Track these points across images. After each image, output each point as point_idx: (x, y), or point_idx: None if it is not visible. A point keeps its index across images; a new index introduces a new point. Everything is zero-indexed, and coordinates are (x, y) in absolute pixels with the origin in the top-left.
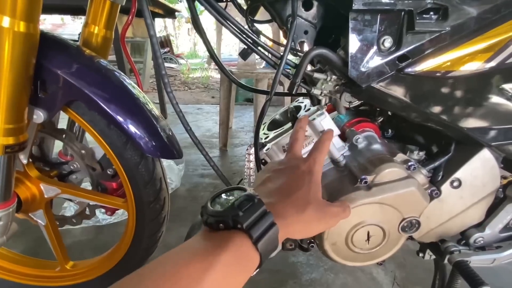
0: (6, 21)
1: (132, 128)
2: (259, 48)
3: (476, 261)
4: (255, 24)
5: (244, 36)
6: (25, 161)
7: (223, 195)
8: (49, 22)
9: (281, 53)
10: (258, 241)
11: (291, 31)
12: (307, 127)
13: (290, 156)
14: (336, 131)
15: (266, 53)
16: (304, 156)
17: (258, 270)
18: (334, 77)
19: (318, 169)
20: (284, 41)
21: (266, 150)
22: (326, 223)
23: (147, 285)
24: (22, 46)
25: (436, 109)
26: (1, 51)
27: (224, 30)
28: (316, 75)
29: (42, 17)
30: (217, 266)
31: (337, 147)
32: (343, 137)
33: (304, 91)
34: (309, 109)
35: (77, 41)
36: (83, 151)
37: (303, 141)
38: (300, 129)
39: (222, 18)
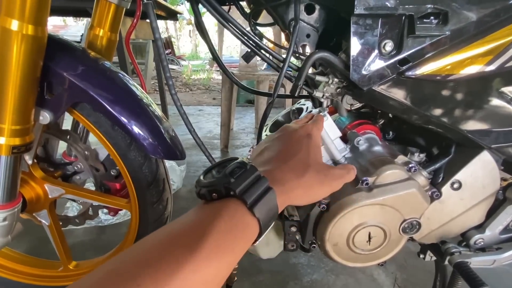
0: (15, 24)
1: (136, 129)
2: (262, 51)
3: (477, 262)
4: (258, 27)
5: (247, 39)
6: (30, 162)
7: (216, 167)
8: (51, 24)
9: (283, 56)
10: (254, 206)
11: (293, 34)
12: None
13: (288, 125)
14: (338, 133)
15: (269, 56)
16: None
17: (260, 238)
18: (335, 79)
19: (316, 133)
20: (286, 44)
21: None
22: (329, 185)
23: (140, 255)
24: (30, 49)
25: (437, 111)
26: (10, 53)
27: (226, 31)
28: (318, 77)
29: None
30: (211, 234)
31: (338, 149)
32: (344, 139)
33: (306, 93)
34: (311, 111)
35: (79, 42)
36: (87, 152)
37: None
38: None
39: (225, 21)
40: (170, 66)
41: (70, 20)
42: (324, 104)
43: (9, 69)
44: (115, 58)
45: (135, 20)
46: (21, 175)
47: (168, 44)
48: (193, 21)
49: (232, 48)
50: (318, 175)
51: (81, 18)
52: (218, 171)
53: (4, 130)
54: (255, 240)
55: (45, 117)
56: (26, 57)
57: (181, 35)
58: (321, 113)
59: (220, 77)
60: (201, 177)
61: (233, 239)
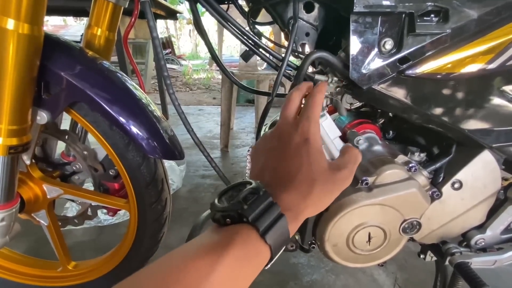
0: (10, 23)
1: (135, 129)
2: (261, 50)
3: (477, 262)
4: (257, 26)
5: (246, 38)
6: (28, 162)
7: (230, 191)
8: (51, 24)
9: (283, 55)
10: (266, 233)
11: (292, 33)
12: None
13: (281, 123)
14: (337, 133)
15: (268, 55)
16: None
17: (271, 263)
18: (335, 79)
19: (314, 132)
20: (285, 43)
21: None
22: (338, 190)
23: (156, 279)
24: (27, 48)
25: (437, 110)
26: (6, 53)
27: (225, 31)
28: (317, 76)
29: (44, 18)
30: (225, 260)
31: (338, 149)
32: (344, 138)
33: None
34: None
35: (79, 42)
36: (85, 152)
37: (297, 103)
38: (297, 90)
39: (224, 20)
40: (170, 66)
41: (70, 20)
42: (324, 104)
43: (5, 68)
44: (115, 58)
45: (133, 19)
46: (19, 175)
47: (168, 43)
48: (192, 21)
49: (232, 47)
50: (325, 186)
51: (81, 18)
52: (232, 195)
53: (1, 130)
54: (266, 265)
55: (43, 117)
56: (22, 57)
57: (181, 34)
58: (320, 112)
59: (220, 77)
60: (216, 201)
61: (245, 265)
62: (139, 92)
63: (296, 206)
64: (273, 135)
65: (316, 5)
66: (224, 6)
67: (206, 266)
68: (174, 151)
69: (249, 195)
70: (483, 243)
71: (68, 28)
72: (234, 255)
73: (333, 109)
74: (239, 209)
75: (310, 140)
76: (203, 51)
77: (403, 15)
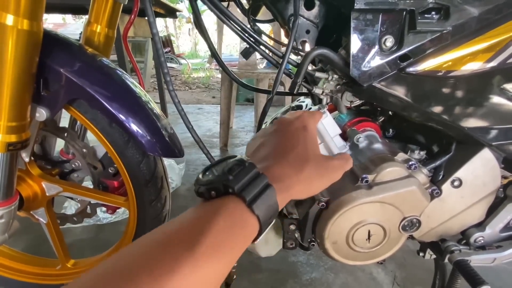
0: (10, 19)
1: (134, 127)
2: (261, 47)
3: (477, 260)
4: (257, 24)
5: (246, 35)
6: (27, 159)
7: (214, 166)
8: (50, 22)
9: (283, 53)
10: (253, 203)
11: (293, 30)
12: None
13: (282, 117)
14: (338, 131)
15: (268, 52)
16: None
17: (260, 236)
18: (335, 76)
19: (312, 124)
20: (286, 41)
21: None
22: (328, 178)
23: (138, 253)
24: (26, 44)
25: (437, 108)
26: (5, 49)
27: (225, 30)
28: (317, 74)
29: (44, 16)
30: (210, 231)
31: (338, 146)
32: (344, 136)
33: (305, 90)
34: (310, 108)
35: (78, 40)
36: (84, 150)
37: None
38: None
39: (224, 17)
40: (170, 65)
41: (69, 18)
42: (324, 101)
43: (4, 64)
44: (115, 57)
45: (132, 16)
46: (18, 173)
47: (168, 42)
48: (192, 19)
49: (232, 46)
50: (317, 169)
51: (80, 16)
52: (217, 169)
53: (0, 127)
54: (256, 238)
55: (42, 113)
56: (21, 53)
57: (181, 33)
58: (320, 110)
59: (220, 76)
60: (200, 176)
61: (232, 236)
62: (138, 90)
63: (287, 179)
64: (274, 123)
65: (317, 2)
66: (225, 4)
67: (189, 238)
68: (173, 149)
69: (235, 167)
70: (482, 241)
71: (67, 26)
72: (219, 226)
73: (333, 107)
74: (224, 180)
75: (308, 128)
76: (203, 50)
77: (404, 12)
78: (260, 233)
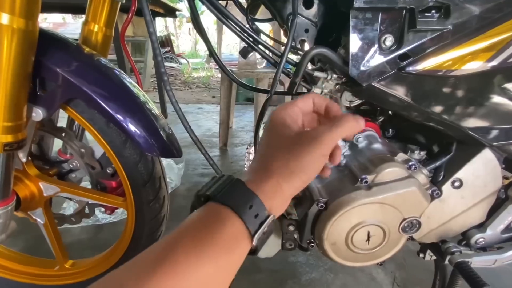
0: (5, 18)
1: (132, 127)
2: (260, 46)
3: (477, 262)
4: (256, 23)
5: (245, 34)
6: (24, 160)
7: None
8: (50, 21)
9: (282, 52)
10: (217, 196)
11: (291, 29)
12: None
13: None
14: None
15: (267, 51)
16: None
17: (257, 234)
18: (334, 76)
19: (278, 110)
20: (285, 40)
21: None
22: (311, 152)
23: (141, 258)
24: (21, 43)
25: (437, 108)
26: (0, 48)
27: (224, 29)
28: (316, 74)
29: (43, 16)
30: (187, 231)
31: None
32: None
33: (304, 90)
34: None
35: (78, 40)
36: (82, 150)
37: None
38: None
39: (223, 16)
40: (169, 64)
41: (69, 18)
42: None
43: None
44: (114, 56)
45: (129, 15)
46: (15, 173)
47: (167, 42)
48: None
49: (231, 46)
50: (290, 154)
51: (80, 15)
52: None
53: None
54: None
55: (38, 113)
56: (17, 52)
57: (181, 33)
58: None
59: (220, 75)
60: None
61: (204, 229)
62: (136, 90)
63: (270, 189)
64: (284, 123)
65: (316, 1)
66: (223, 3)
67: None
68: (171, 149)
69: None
70: (483, 242)
71: (67, 25)
72: (195, 225)
73: None
74: (200, 192)
75: (271, 119)
76: (203, 49)
77: (404, 11)
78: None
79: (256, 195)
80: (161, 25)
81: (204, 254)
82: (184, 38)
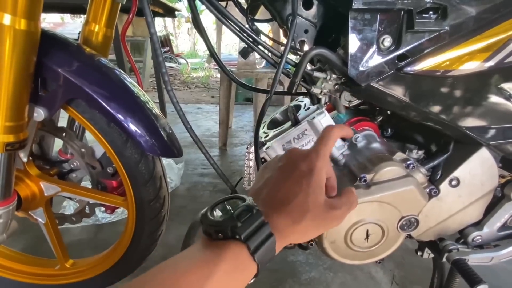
0: (7, 19)
1: (133, 127)
2: (259, 47)
3: (474, 259)
4: (256, 23)
5: (245, 35)
6: (25, 159)
7: (222, 204)
8: (48, 21)
9: (281, 52)
10: (256, 252)
11: (291, 30)
12: (308, 126)
13: (291, 150)
14: None
15: (266, 52)
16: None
17: (254, 279)
18: (334, 76)
19: (320, 166)
20: (284, 40)
21: (266, 149)
22: (325, 228)
23: None
24: (23, 44)
25: (435, 108)
26: (2, 48)
27: (224, 29)
28: (316, 74)
29: (42, 16)
30: (216, 275)
31: (336, 146)
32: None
33: (304, 90)
34: (308, 108)
35: (77, 40)
36: (83, 150)
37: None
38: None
39: (223, 16)
40: (169, 64)
41: (67, 18)
42: (322, 101)
43: (2, 64)
44: (114, 56)
45: (130, 16)
46: (16, 173)
47: (167, 42)
48: (191, 19)
49: (231, 46)
50: (314, 221)
51: (79, 15)
52: (224, 210)
53: None
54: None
55: (40, 113)
56: (19, 52)
57: (180, 33)
58: (319, 110)
59: (219, 75)
60: (208, 213)
61: (235, 280)
62: (137, 89)
63: (284, 230)
64: (281, 158)
65: (315, 2)
66: (223, 3)
67: (197, 280)
68: (172, 149)
69: (243, 213)
70: (480, 240)
71: (66, 25)
72: (224, 270)
73: (331, 106)
74: (233, 226)
75: (314, 172)
76: (202, 49)
77: (402, 12)
78: (256, 275)
79: (275, 253)
80: (160, 25)
81: None
82: (183, 38)
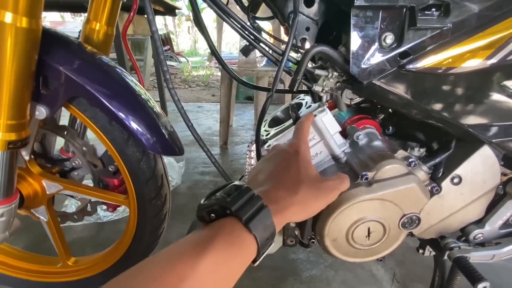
0: (8, 17)
1: (134, 125)
2: (261, 44)
3: (476, 257)
4: (257, 21)
5: (246, 32)
6: (27, 158)
7: (215, 192)
8: (48, 20)
9: (283, 50)
10: (249, 222)
11: (292, 28)
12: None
13: (276, 145)
14: (337, 128)
15: (268, 49)
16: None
17: (260, 258)
18: (335, 74)
19: (304, 148)
20: (286, 38)
21: (267, 147)
22: (324, 198)
23: (144, 274)
24: (25, 42)
25: (437, 106)
26: (4, 47)
27: (224, 27)
28: (317, 72)
29: (42, 14)
30: (210, 252)
31: (338, 144)
32: (344, 134)
33: (305, 88)
34: (310, 106)
35: (77, 38)
36: (84, 148)
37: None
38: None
39: (224, 14)
40: (169, 63)
41: (68, 16)
42: (324, 99)
43: (3, 62)
44: (114, 55)
45: (131, 14)
46: (18, 171)
47: (167, 40)
48: (192, 17)
49: (231, 44)
50: (311, 190)
51: (79, 14)
52: (217, 195)
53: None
54: (255, 260)
55: (41, 112)
56: (20, 51)
57: (180, 31)
58: (320, 108)
59: (219, 74)
60: (202, 201)
61: (232, 256)
62: (138, 88)
63: (282, 200)
64: (271, 150)
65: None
66: (224, 1)
67: (191, 258)
68: (173, 147)
69: (232, 191)
70: (481, 238)
71: (66, 24)
72: (219, 246)
73: (333, 104)
74: (221, 202)
75: (300, 152)
76: (202, 48)
77: (404, 9)
78: (258, 253)
79: (274, 226)
80: (161, 23)
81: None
82: (183, 37)
